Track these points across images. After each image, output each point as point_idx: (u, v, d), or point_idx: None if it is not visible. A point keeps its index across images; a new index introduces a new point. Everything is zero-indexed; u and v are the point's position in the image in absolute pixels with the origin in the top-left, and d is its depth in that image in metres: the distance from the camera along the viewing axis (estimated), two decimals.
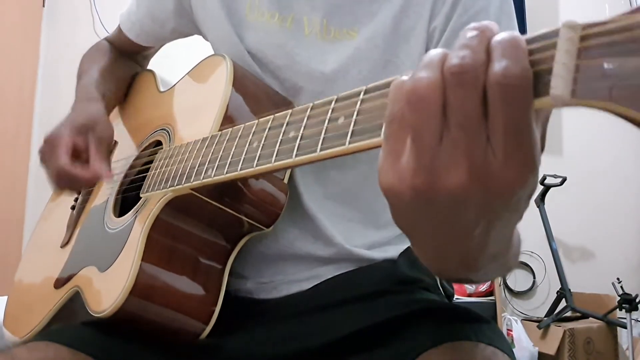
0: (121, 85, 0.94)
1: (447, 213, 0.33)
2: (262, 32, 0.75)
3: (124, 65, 0.97)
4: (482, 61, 0.31)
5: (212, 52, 0.82)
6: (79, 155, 0.76)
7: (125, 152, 0.82)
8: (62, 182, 0.75)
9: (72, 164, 0.73)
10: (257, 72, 0.75)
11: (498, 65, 0.30)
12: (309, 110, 0.47)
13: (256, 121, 0.53)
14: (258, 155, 0.50)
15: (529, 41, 0.32)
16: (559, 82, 0.30)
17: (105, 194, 0.81)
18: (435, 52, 0.33)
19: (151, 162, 0.72)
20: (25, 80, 2.66)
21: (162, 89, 0.87)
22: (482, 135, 0.31)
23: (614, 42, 0.29)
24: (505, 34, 0.31)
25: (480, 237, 0.36)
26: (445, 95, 0.31)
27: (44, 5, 2.77)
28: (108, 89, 0.87)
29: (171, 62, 1.23)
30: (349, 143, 0.41)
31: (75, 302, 0.69)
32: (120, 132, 0.79)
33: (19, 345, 0.61)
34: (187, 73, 0.80)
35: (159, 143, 0.77)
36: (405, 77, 0.33)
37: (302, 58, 0.73)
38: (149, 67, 1.04)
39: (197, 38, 0.89)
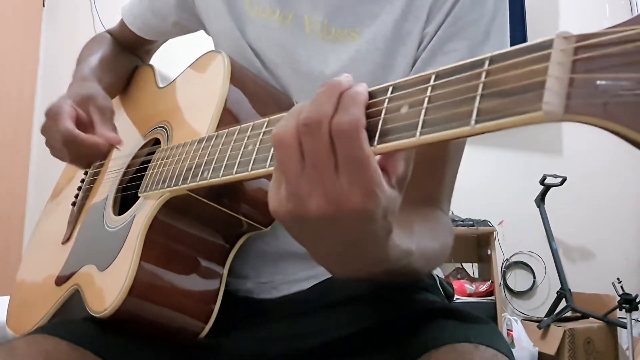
0: (120, 77, 0.94)
1: (319, 230, 0.41)
2: (262, 28, 0.75)
3: (124, 58, 0.97)
4: (326, 113, 0.38)
5: (212, 47, 0.82)
6: (84, 127, 0.75)
7: (125, 148, 0.82)
8: (71, 149, 0.72)
9: (77, 130, 0.72)
10: (257, 68, 0.74)
11: (336, 116, 0.38)
12: None
13: (251, 123, 0.53)
14: (253, 159, 0.50)
15: (522, 51, 0.32)
16: (552, 97, 0.30)
17: (105, 191, 0.81)
18: (297, 106, 0.41)
19: (149, 160, 0.72)
20: (25, 80, 2.66)
21: (161, 85, 0.87)
22: (331, 168, 0.38)
23: (609, 54, 0.28)
24: (350, 90, 0.39)
25: (354, 247, 0.43)
26: (300, 140, 0.39)
27: (44, 5, 2.77)
28: (105, 78, 0.87)
29: (171, 56, 1.23)
30: None
31: (75, 300, 0.69)
32: (119, 126, 0.79)
33: (19, 338, 0.61)
34: (186, 69, 0.80)
35: (157, 141, 0.77)
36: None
37: (301, 57, 0.73)
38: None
39: (197, 32, 0.89)
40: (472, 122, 0.34)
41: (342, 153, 0.38)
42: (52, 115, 0.75)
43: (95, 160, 0.77)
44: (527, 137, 2.99)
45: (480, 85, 0.34)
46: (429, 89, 0.37)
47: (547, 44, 0.31)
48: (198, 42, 0.95)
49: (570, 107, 0.29)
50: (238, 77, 0.68)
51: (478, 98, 0.34)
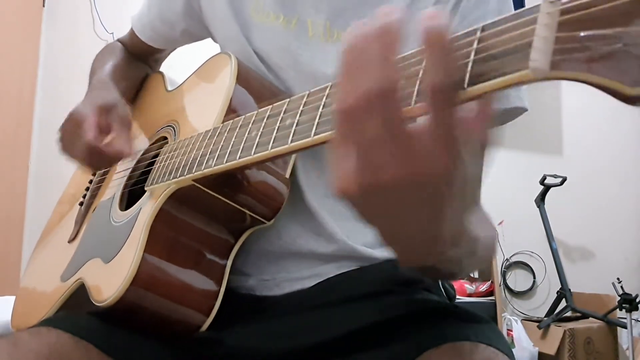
0: (131, 85, 0.95)
1: (394, 201, 0.38)
2: (267, 33, 0.76)
3: (135, 67, 0.98)
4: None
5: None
6: (102, 134, 0.75)
7: (134, 148, 0.83)
8: (92, 158, 0.74)
9: (100, 140, 0.73)
10: (263, 72, 0.76)
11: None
12: (305, 97, 0.48)
13: (255, 111, 0.54)
14: (256, 143, 0.51)
15: (511, 18, 0.34)
16: (539, 55, 0.31)
17: (113, 190, 0.83)
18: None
19: (157, 156, 0.73)
20: (25, 80, 2.66)
21: (170, 88, 0.89)
22: (409, 129, 0.35)
23: (592, 14, 0.30)
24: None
25: (431, 219, 0.39)
26: (371, 105, 0.36)
27: (44, 5, 2.77)
28: (120, 85, 0.88)
29: (180, 63, 1.24)
30: None
31: (80, 293, 0.70)
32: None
33: (23, 330, 0.62)
34: (194, 72, 0.81)
35: (165, 139, 0.78)
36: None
37: (305, 59, 0.74)
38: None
39: (206, 40, 0.90)
40: (465, 85, 0.35)
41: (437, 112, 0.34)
42: (75, 119, 0.76)
43: (106, 167, 0.78)
44: (527, 137, 3.00)
45: (472, 52, 0.36)
46: (424, 62, 0.38)
47: (534, 9, 0.33)
48: (206, 49, 0.95)
49: (555, 64, 0.31)
50: (244, 78, 0.70)
51: (470, 64, 0.35)
